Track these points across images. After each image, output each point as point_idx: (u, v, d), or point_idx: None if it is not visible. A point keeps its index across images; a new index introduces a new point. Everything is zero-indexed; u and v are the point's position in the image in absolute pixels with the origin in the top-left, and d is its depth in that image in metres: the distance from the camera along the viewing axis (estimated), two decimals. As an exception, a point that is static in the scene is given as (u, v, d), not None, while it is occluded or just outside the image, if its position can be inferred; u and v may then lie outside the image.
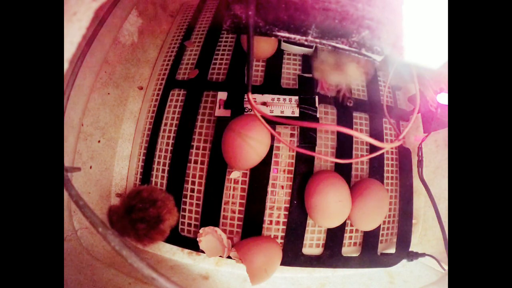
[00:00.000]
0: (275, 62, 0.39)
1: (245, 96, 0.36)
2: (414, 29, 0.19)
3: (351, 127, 0.37)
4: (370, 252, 0.36)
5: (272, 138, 0.33)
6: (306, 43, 0.24)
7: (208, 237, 0.33)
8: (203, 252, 0.33)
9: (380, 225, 0.35)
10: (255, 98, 0.36)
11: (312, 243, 0.35)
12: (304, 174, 0.34)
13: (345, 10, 0.21)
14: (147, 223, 0.30)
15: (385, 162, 0.38)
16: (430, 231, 0.39)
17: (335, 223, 0.32)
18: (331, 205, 0.31)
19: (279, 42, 0.39)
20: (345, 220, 0.33)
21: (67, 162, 0.32)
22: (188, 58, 0.41)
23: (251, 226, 0.34)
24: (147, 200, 0.31)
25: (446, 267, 0.34)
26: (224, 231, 0.33)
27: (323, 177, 0.32)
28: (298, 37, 0.23)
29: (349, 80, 0.35)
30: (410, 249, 0.37)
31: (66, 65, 0.15)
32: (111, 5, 0.32)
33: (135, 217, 0.30)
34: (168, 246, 0.36)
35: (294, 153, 0.35)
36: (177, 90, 0.39)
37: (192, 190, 0.35)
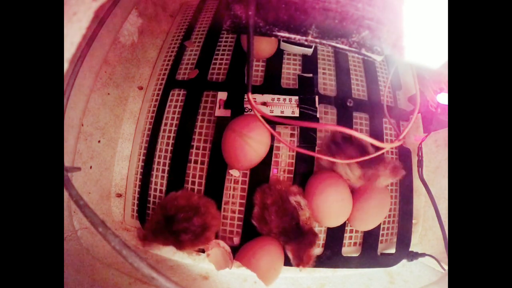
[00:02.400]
0: (275, 62, 0.39)
1: (245, 96, 0.36)
2: (414, 29, 0.19)
3: (351, 127, 0.37)
4: (370, 252, 0.36)
5: (272, 138, 0.33)
6: (306, 43, 0.24)
7: (215, 250, 0.32)
8: (203, 252, 0.33)
9: (380, 225, 0.35)
10: (255, 98, 0.36)
11: (312, 243, 0.35)
12: (304, 174, 0.34)
13: (345, 10, 0.21)
14: (192, 233, 0.28)
15: (385, 162, 0.38)
16: (430, 231, 0.39)
17: (336, 222, 0.32)
18: (331, 204, 0.31)
19: (279, 42, 0.39)
20: (345, 220, 0.33)
21: (67, 162, 0.32)
22: (188, 58, 0.41)
23: (251, 226, 0.34)
24: (188, 208, 0.29)
25: (446, 267, 0.34)
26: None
27: (323, 177, 0.32)
28: (298, 37, 0.23)
29: None
30: (410, 249, 0.37)
31: (66, 65, 0.15)
32: (111, 5, 0.32)
33: (176, 228, 0.28)
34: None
35: (294, 153, 0.35)
36: (177, 90, 0.39)
37: (192, 190, 0.35)
